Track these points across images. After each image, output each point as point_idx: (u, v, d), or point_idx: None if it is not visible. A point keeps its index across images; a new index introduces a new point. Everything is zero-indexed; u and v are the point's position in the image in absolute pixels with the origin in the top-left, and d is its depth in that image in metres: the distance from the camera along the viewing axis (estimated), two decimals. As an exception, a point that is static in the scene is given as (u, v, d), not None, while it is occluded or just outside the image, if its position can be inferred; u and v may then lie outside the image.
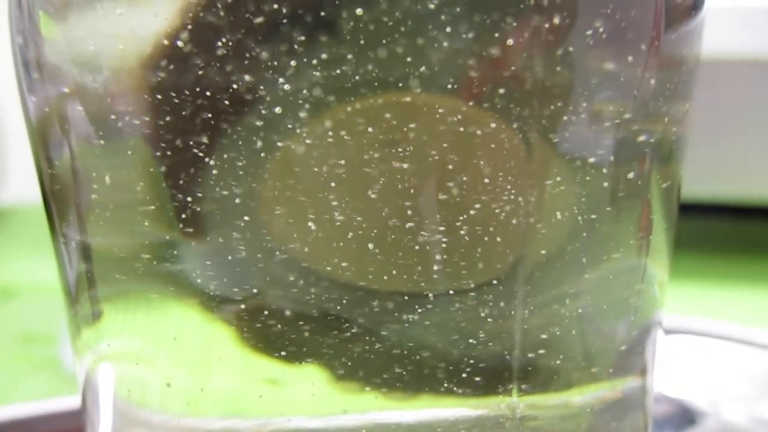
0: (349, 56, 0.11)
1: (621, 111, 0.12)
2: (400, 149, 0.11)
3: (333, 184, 0.11)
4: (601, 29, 0.11)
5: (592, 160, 0.12)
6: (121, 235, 0.12)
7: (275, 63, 0.11)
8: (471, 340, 0.12)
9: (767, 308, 0.35)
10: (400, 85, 0.11)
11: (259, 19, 0.11)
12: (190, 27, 0.11)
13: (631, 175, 0.13)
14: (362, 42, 0.11)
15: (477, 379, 0.12)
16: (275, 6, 0.11)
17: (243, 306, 0.12)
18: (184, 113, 0.11)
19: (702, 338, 0.24)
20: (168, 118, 0.11)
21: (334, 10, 0.10)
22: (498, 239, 0.12)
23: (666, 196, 0.14)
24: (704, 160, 0.36)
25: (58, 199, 0.13)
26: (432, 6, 0.11)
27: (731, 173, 0.38)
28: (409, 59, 0.11)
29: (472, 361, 0.12)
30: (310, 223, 0.11)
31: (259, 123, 0.11)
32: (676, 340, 0.24)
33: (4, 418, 0.21)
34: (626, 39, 0.12)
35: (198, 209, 0.12)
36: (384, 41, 0.11)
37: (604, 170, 0.12)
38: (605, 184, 0.12)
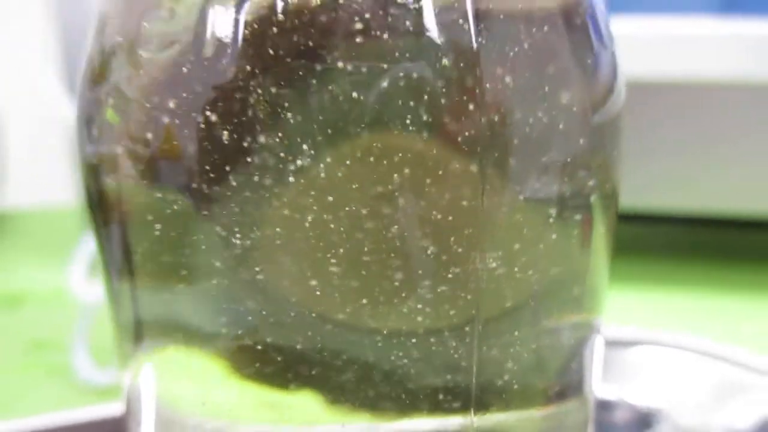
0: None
1: (562, 170, 0.14)
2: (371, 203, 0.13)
3: (310, 236, 0.13)
4: (538, 117, 0.13)
5: (538, 205, 0.14)
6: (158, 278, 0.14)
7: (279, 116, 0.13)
8: (432, 369, 0.14)
9: (724, 316, 0.36)
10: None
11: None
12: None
13: (575, 207, 0.14)
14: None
15: (436, 400, 0.14)
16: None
17: (241, 341, 0.14)
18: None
19: (662, 348, 0.26)
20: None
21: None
22: (455, 284, 0.13)
23: (605, 211, 0.15)
24: (661, 174, 0.39)
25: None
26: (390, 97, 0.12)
27: (684, 186, 0.40)
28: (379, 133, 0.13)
29: (433, 388, 0.14)
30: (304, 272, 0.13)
31: (262, 173, 0.13)
32: (637, 350, 0.26)
33: (17, 429, 0.21)
34: (560, 122, 0.14)
35: (196, 264, 0.13)
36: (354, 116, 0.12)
37: (552, 212, 0.14)
38: (551, 222, 0.14)
